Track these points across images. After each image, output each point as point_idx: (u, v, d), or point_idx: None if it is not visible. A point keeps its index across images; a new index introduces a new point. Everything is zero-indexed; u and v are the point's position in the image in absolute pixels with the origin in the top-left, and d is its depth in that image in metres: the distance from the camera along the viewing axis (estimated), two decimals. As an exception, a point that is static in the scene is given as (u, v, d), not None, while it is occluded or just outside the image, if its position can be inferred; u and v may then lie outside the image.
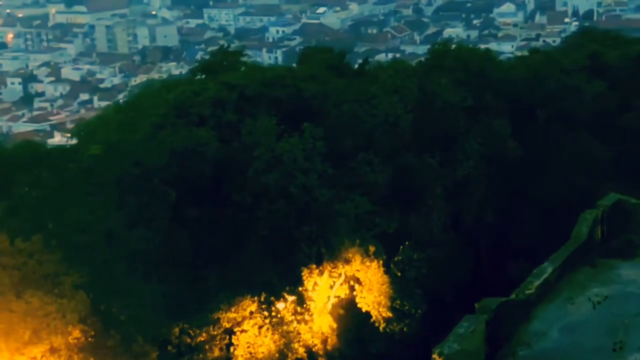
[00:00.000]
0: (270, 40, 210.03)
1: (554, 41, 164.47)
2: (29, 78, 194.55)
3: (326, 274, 37.86)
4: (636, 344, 27.56)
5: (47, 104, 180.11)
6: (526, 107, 48.18)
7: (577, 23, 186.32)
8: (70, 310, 32.14)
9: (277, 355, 37.06)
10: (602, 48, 52.65)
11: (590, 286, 31.53)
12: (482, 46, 61.24)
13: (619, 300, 30.63)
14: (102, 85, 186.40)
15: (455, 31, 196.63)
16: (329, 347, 37.94)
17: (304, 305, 37.80)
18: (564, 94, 47.82)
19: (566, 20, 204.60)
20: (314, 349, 37.66)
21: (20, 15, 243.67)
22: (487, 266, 46.09)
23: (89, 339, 33.09)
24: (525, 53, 71.25)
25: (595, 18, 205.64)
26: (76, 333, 32.46)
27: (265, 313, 37.11)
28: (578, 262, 32.88)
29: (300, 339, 37.43)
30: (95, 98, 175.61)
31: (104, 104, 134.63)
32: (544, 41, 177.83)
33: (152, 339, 35.47)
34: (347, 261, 37.62)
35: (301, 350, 37.35)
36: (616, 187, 38.73)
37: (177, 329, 36.26)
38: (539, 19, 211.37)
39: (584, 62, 50.54)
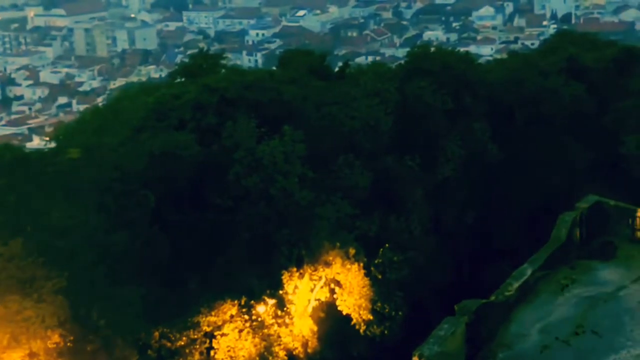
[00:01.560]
0: (250, 43, 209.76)
1: (532, 44, 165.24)
2: (7, 81, 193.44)
3: (307, 277, 37.84)
4: (609, 343, 27.74)
5: (25, 108, 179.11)
6: (505, 109, 48.42)
7: (555, 26, 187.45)
8: (50, 315, 31.97)
9: (257, 358, 36.98)
10: (580, 51, 53.02)
11: (569, 287, 31.68)
12: (462, 49, 61.32)
13: (597, 301, 30.79)
14: (81, 89, 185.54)
15: (434, 34, 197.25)
16: (309, 350, 37.92)
17: (285, 309, 37.77)
18: (542, 96, 48.11)
19: (544, 23, 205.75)
20: (294, 352, 37.63)
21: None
22: (467, 268, 46.24)
23: (68, 344, 32.94)
24: (504, 56, 71.71)
25: (573, 21, 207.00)
26: (55, 338, 32.29)
27: (246, 316, 37.04)
28: (557, 264, 33.03)
29: (281, 342, 37.39)
30: (74, 101, 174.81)
31: (82, 107, 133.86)
32: (522, 44, 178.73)
33: (132, 343, 35.34)
34: (328, 264, 37.63)
35: (282, 353, 37.32)
36: (595, 189, 38.97)
37: (157, 333, 36.13)
38: (517, 22, 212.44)
39: (562, 65, 50.86)
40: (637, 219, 34.49)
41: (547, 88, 48.37)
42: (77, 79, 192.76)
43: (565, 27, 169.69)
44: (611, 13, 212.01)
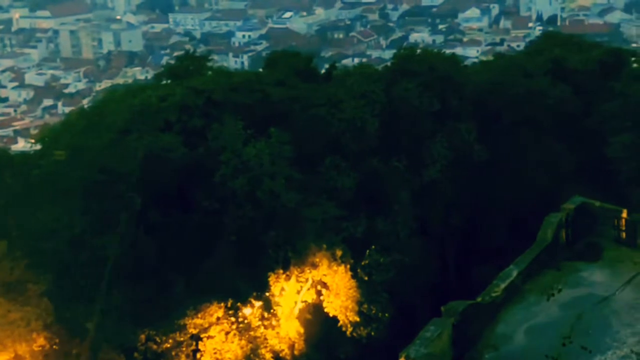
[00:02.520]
0: (237, 45, 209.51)
1: (518, 46, 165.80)
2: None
3: (293, 278, 37.80)
4: (595, 343, 27.82)
5: (10, 110, 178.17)
6: (491, 111, 48.54)
7: (541, 28, 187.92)
8: (35, 318, 31.89)
9: (244, 360, 36.94)
10: (566, 53, 53.21)
11: (555, 288, 31.74)
12: (448, 51, 61.45)
13: (583, 302, 30.89)
14: (66, 91, 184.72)
15: (421, 36, 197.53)
16: (296, 352, 37.88)
17: (271, 311, 37.72)
18: (528, 97, 48.24)
19: (530, 25, 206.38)
20: (281, 354, 37.58)
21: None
22: (454, 269, 46.33)
23: (54, 347, 32.87)
24: (490, 58, 71.80)
25: (559, 23, 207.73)
26: (41, 341, 32.21)
27: (232, 319, 36.97)
28: (543, 265, 33.11)
29: (267, 345, 37.34)
30: (60, 103, 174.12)
31: (68, 109, 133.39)
32: (508, 46, 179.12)
33: (118, 345, 35.25)
34: (314, 266, 37.61)
35: (268, 355, 37.27)
36: (580, 190, 39.09)
37: (143, 336, 36.02)
38: (503, 23, 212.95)
39: (547, 67, 51.04)
40: (622, 219, 34.62)
41: (532, 90, 48.52)
42: (62, 81, 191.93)
43: (550, 29, 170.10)
44: (596, 15, 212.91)
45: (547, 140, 47.94)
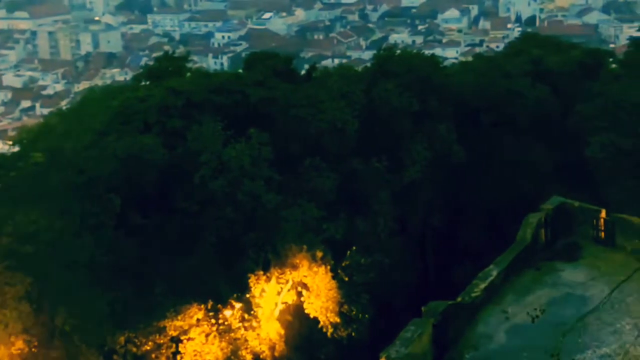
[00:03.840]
0: (216, 45, 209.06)
1: (497, 46, 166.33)
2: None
3: (273, 280, 37.74)
4: (574, 343, 27.95)
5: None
6: (471, 111, 48.69)
7: (520, 29, 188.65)
8: (14, 321, 31.70)
9: (224, 362, 36.83)
10: (545, 53, 53.45)
11: (535, 289, 31.88)
12: (427, 52, 61.54)
13: (563, 302, 31.02)
14: (44, 92, 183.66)
15: (400, 37, 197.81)
16: (276, 354, 37.81)
17: (252, 312, 37.64)
18: (507, 98, 48.43)
19: (509, 25, 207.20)
20: (261, 356, 37.50)
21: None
22: (434, 270, 46.42)
23: (33, 349, 32.67)
24: (470, 58, 72.11)
25: (537, 24, 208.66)
26: (19, 344, 32.01)
27: (212, 320, 36.85)
28: (523, 265, 33.22)
29: (248, 346, 37.25)
30: (38, 105, 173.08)
31: (46, 111, 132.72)
32: (487, 46, 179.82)
33: (97, 348, 35.08)
34: (295, 267, 37.55)
35: (249, 357, 37.18)
36: (559, 190, 39.27)
37: (122, 338, 35.85)
38: (482, 24, 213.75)
39: (526, 67, 51.24)
40: (601, 219, 34.78)
41: (512, 90, 48.71)
42: (40, 82, 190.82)
43: (529, 29, 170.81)
44: (575, 16, 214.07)
45: (526, 141, 48.13)
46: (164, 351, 36.24)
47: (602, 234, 34.85)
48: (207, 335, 36.46)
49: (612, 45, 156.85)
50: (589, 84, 48.88)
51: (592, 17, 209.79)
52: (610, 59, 55.43)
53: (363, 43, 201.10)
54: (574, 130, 47.60)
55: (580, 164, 46.51)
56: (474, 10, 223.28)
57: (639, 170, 43.53)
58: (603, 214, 34.86)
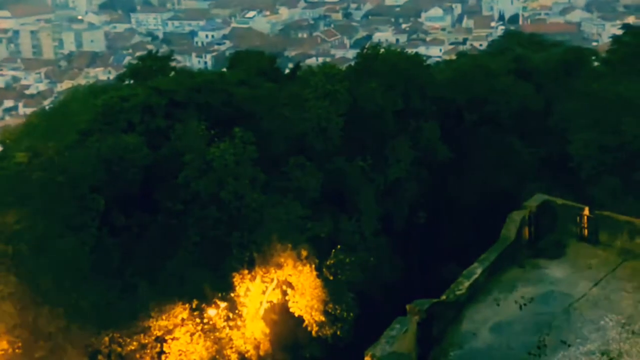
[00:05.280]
0: (200, 44, 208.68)
1: (480, 45, 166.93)
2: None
3: (258, 279, 37.72)
4: (558, 340, 28.07)
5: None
6: (454, 109, 48.83)
7: (503, 27, 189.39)
8: (-3, 322, 31.49)
9: (209, 362, 36.78)
10: (527, 51, 53.69)
11: (519, 286, 31.97)
12: (411, 50, 61.67)
13: (546, 299, 31.11)
14: (27, 92, 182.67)
15: (384, 35, 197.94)
16: (261, 353, 37.80)
17: (236, 311, 37.61)
18: (491, 96, 48.59)
19: (492, 24, 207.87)
20: (246, 355, 37.48)
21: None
22: (418, 268, 46.50)
23: (17, 350, 32.52)
24: (453, 57, 72.30)
25: (520, 22, 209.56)
26: (3, 344, 31.86)
27: (197, 320, 36.80)
28: (507, 263, 33.27)
29: (233, 345, 37.22)
30: (21, 105, 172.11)
31: (29, 110, 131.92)
32: (471, 45, 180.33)
33: (82, 348, 34.96)
34: (279, 266, 37.56)
35: (234, 356, 37.15)
36: (542, 188, 39.40)
37: (107, 338, 35.75)
38: (466, 23, 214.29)
39: (510, 66, 51.47)
40: (584, 217, 34.88)
41: (495, 88, 48.90)
42: (23, 82, 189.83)
43: (512, 28, 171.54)
44: (558, 14, 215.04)
45: (509, 139, 48.32)
46: (148, 351, 36.16)
47: (586, 232, 34.93)
48: (191, 335, 36.41)
49: (594, 44, 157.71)
50: (571, 82, 49.13)
51: (575, 16, 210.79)
52: (593, 57, 55.74)
53: (347, 42, 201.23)
54: (557, 128, 47.79)
55: (564, 161, 46.70)
56: (458, 8, 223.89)
57: (622, 168, 43.74)
58: (586, 211, 34.95)
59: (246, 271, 37.50)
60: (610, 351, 27.32)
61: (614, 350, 26.18)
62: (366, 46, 57.38)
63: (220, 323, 37.17)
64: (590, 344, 28.04)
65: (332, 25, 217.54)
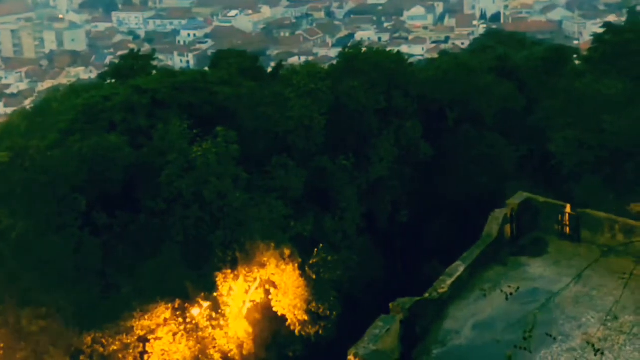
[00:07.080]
0: (182, 43, 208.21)
1: (462, 43, 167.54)
2: None
3: (241, 278, 37.66)
4: (538, 343, 28.21)
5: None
6: (436, 108, 48.93)
7: (485, 26, 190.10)
8: (-22, 323, 31.28)
9: (193, 361, 36.68)
10: (509, 50, 53.88)
11: (501, 283, 32.08)
12: (393, 49, 61.81)
13: (529, 296, 31.24)
14: (8, 91, 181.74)
15: (366, 34, 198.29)
16: (244, 352, 37.74)
17: (219, 311, 37.53)
18: (472, 95, 48.73)
19: (474, 22, 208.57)
20: (229, 355, 37.41)
21: None
22: (401, 266, 46.59)
23: (-2, 352, 32.27)
24: (435, 55, 72.45)
25: (502, 20, 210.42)
26: (-16, 346, 31.60)
27: (180, 319, 36.69)
28: (489, 260, 33.42)
29: (216, 345, 37.14)
30: (1, 104, 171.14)
31: (10, 110, 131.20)
32: (453, 43, 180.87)
33: (64, 349, 34.78)
34: (262, 265, 37.51)
35: (217, 356, 37.07)
36: (524, 186, 39.56)
37: (89, 339, 35.59)
38: (448, 21, 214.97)
39: (491, 64, 51.63)
40: (566, 214, 35.07)
41: (477, 87, 49.04)
42: (4, 81, 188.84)
43: (494, 26, 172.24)
44: (539, 12, 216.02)
45: (491, 137, 48.48)
46: (131, 351, 36.02)
47: (568, 229, 35.14)
48: (174, 335, 36.30)
49: (575, 42, 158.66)
50: (553, 80, 49.33)
51: (556, 14, 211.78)
52: (574, 56, 56.01)
53: (329, 40, 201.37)
54: (538, 126, 47.99)
55: (545, 159, 46.91)
56: (440, 7, 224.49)
57: (603, 166, 43.99)
58: (568, 209, 35.15)
59: (229, 270, 37.44)
60: (591, 347, 27.46)
61: (595, 345, 26.29)
62: (348, 45, 57.49)
63: (203, 322, 37.08)
64: (572, 341, 28.21)
65: (315, 24, 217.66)
